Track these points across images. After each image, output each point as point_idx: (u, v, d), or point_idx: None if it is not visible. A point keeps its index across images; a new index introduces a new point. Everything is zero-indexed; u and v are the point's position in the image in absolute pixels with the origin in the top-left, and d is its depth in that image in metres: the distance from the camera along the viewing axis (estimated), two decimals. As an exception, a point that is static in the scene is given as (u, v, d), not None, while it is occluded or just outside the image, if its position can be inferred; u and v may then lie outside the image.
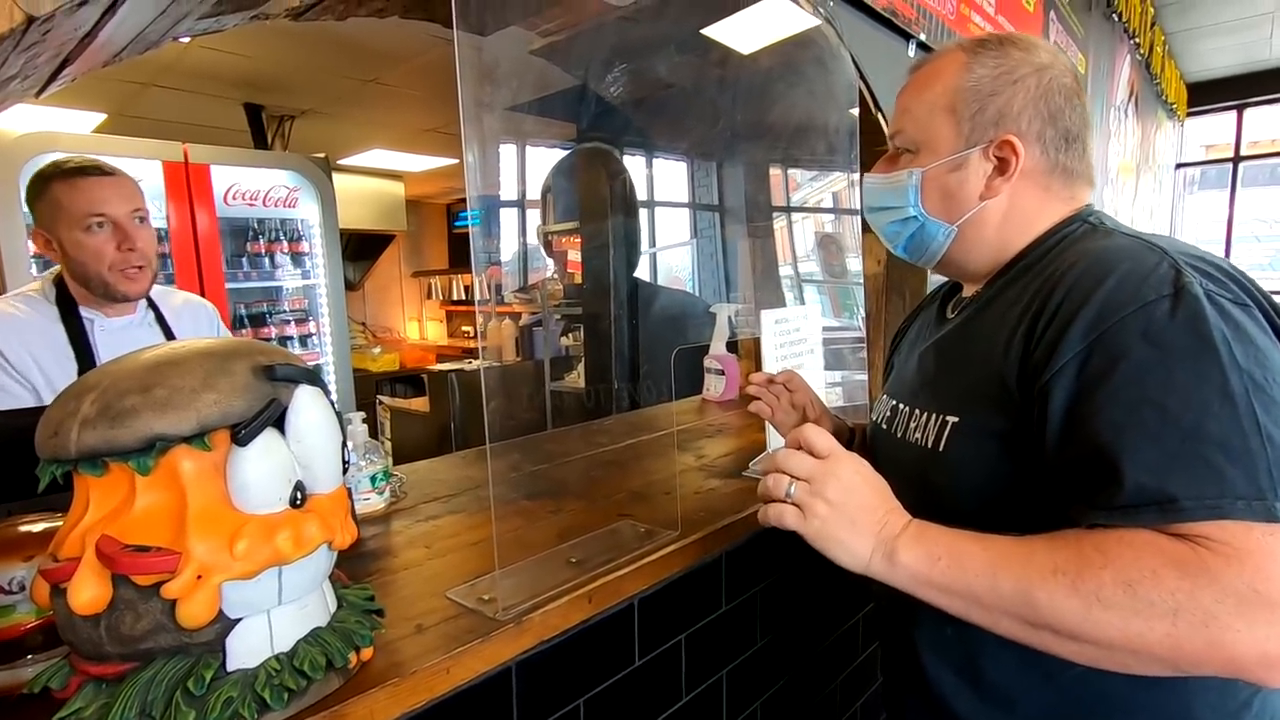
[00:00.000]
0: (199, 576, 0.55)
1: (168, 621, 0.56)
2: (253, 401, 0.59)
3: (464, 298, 7.12)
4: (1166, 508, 0.55)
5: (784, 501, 0.69)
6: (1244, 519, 0.53)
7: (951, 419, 0.74)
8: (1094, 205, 0.81)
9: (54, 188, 1.30)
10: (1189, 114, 7.12)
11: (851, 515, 0.67)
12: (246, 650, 0.60)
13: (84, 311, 1.38)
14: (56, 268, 1.39)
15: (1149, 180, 6.22)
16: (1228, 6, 5.01)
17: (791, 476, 0.69)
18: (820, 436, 0.70)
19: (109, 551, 0.54)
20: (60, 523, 0.60)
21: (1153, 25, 4.91)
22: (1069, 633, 0.57)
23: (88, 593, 0.54)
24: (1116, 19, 3.69)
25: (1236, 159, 7.07)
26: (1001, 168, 0.77)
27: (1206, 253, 0.66)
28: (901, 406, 0.86)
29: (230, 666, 0.60)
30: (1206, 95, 6.98)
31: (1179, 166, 7.57)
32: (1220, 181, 7.25)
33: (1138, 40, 4.51)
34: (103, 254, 1.32)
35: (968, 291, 0.87)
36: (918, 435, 0.80)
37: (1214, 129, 7.30)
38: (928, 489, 0.75)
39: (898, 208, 0.83)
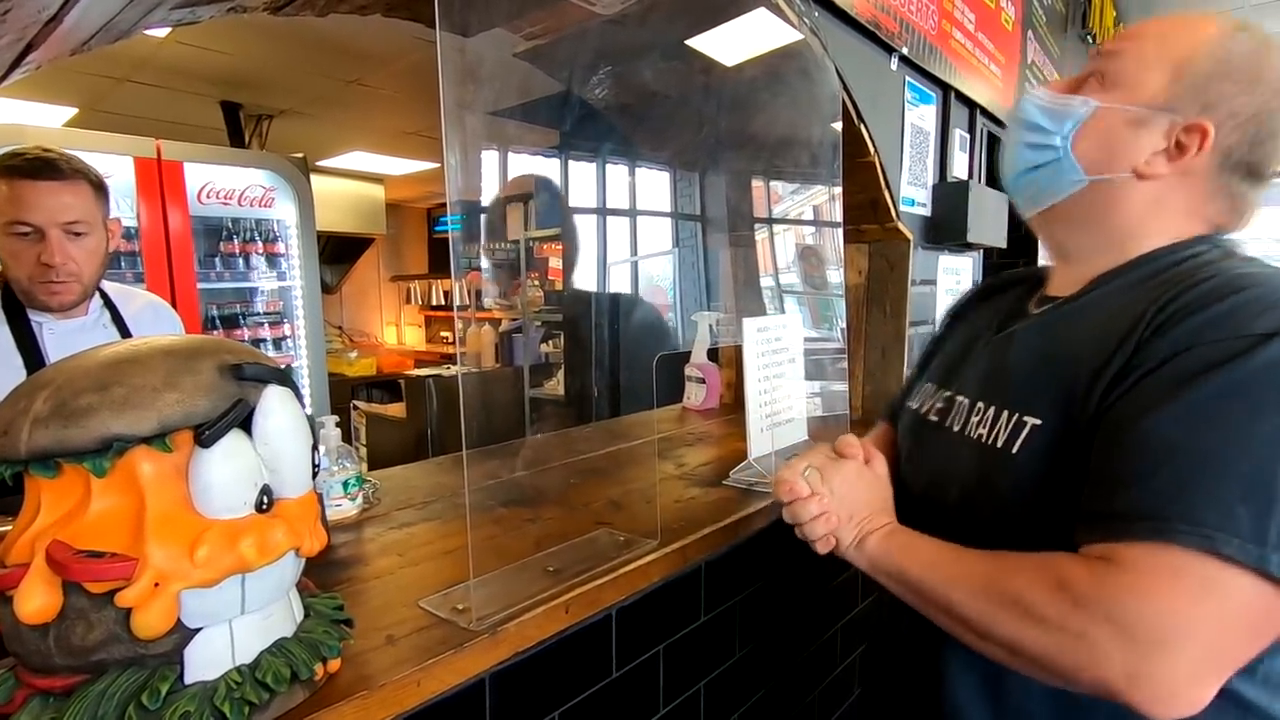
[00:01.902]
0: (156, 584, 0.53)
1: (122, 632, 0.54)
2: (218, 401, 0.57)
3: (443, 303, 7.05)
4: (1161, 526, 0.54)
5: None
6: (1235, 560, 0.51)
7: (1032, 420, 0.68)
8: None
9: None
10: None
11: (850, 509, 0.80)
12: (206, 662, 0.58)
13: (31, 314, 1.32)
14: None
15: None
16: (1196, 32, 5.15)
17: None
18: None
19: (60, 557, 0.52)
20: (9, 527, 0.57)
21: (1125, 48, 5.03)
22: (978, 631, 0.63)
23: (36, 601, 0.52)
24: (1091, 40, 3.78)
25: (1203, 180, 7.27)
26: (1175, 153, 0.69)
27: None
28: (961, 399, 0.80)
29: (188, 679, 0.57)
30: (1175, 118, 7.18)
31: (1148, 187, 7.76)
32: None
33: (1110, 62, 4.61)
34: (22, 262, 1.26)
35: (1060, 289, 0.78)
36: (981, 431, 0.73)
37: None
38: (987, 489, 0.71)
39: (1045, 130, 0.74)
